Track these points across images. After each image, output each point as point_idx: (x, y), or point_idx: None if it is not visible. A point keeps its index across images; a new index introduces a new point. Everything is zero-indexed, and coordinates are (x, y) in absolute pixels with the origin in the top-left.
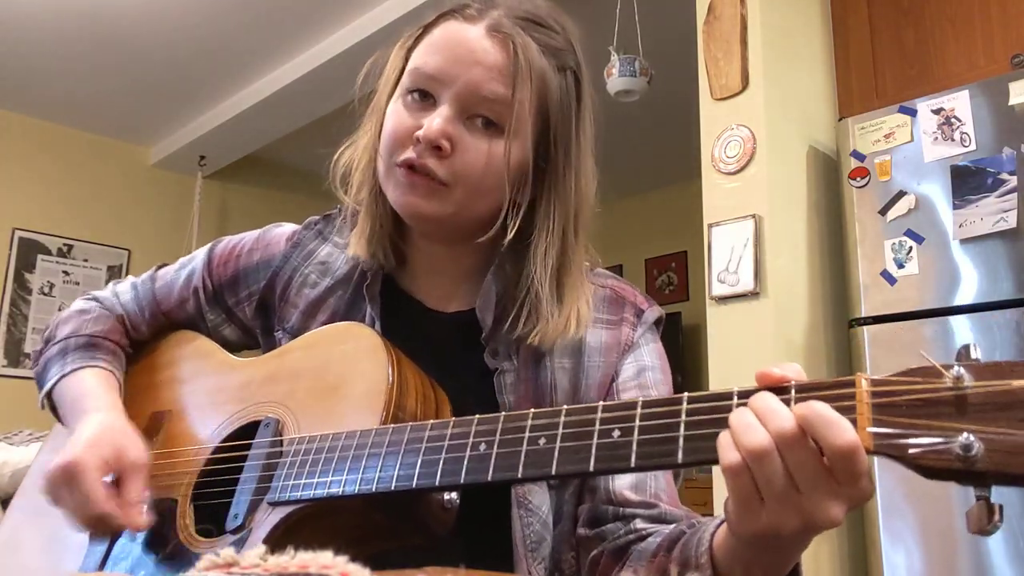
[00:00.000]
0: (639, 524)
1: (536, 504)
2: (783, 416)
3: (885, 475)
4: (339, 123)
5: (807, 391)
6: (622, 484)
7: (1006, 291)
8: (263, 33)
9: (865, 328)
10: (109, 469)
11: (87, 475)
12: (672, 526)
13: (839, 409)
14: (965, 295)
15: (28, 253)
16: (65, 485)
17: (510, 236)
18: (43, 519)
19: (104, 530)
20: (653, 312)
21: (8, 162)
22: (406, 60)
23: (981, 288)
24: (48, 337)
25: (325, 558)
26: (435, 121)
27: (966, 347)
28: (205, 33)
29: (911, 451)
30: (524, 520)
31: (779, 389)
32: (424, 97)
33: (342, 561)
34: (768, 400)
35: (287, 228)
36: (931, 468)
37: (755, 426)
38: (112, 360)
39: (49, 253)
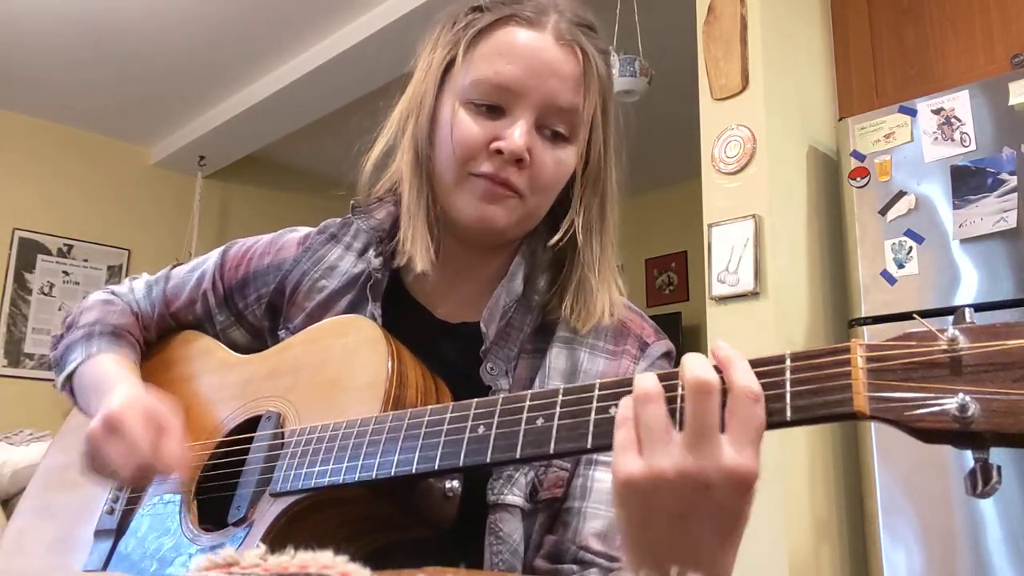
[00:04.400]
0: (594, 574)
1: (507, 532)
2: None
3: (885, 475)
4: (339, 124)
5: (803, 359)
6: (591, 529)
7: (1006, 291)
8: (263, 33)
9: (865, 328)
10: (148, 421)
11: (129, 422)
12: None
13: (836, 376)
14: (965, 295)
15: (28, 253)
16: (111, 434)
17: (565, 235)
18: (49, 521)
19: (145, 479)
20: (660, 346)
21: (8, 162)
22: (451, 57)
23: (981, 288)
24: (70, 323)
25: (325, 558)
26: (516, 133)
27: (962, 311)
28: (205, 33)
29: (907, 414)
30: (493, 548)
31: (775, 359)
32: (492, 107)
33: (342, 561)
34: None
35: (300, 232)
36: (927, 431)
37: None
38: (134, 355)
39: (49, 253)
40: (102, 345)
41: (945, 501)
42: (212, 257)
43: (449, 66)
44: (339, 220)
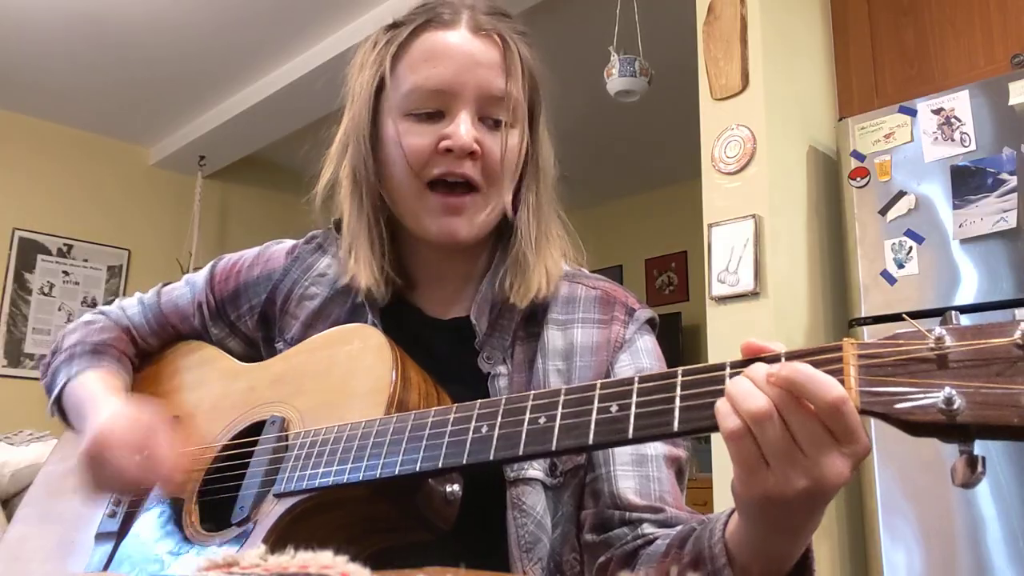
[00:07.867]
0: (647, 529)
1: (530, 505)
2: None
3: (885, 474)
4: (339, 124)
5: (796, 358)
6: (626, 488)
7: (1006, 291)
8: (263, 33)
9: (865, 328)
10: (133, 434)
11: (111, 444)
12: (681, 527)
13: (828, 372)
14: (965, 295)
15: (28, 253)
16: (98, 459)
17: (512, 216)
18: (50, 526)
19: (144, 490)
20: (645, 312)
21: (8, 162)
22: (381, 76)
23: (981, 288)
24: (55, 349)
25: (325, 558)
26: (462, 128)
27: (949, 314)
28: (205, 33)
29: (896, 407)
30: (518, 521)
31: (769, 359)
32: (431, 113)
33: (342, 561)
34: (762, 369)
35: (287, 243)
36: (916, 423)
37: (753, 391)
38: (118, 366)
39: (49, 253)
40: (83, 363)
41: (945, 501)
42: (202, 272)
43: (380, 87)
44: (323, 231)
